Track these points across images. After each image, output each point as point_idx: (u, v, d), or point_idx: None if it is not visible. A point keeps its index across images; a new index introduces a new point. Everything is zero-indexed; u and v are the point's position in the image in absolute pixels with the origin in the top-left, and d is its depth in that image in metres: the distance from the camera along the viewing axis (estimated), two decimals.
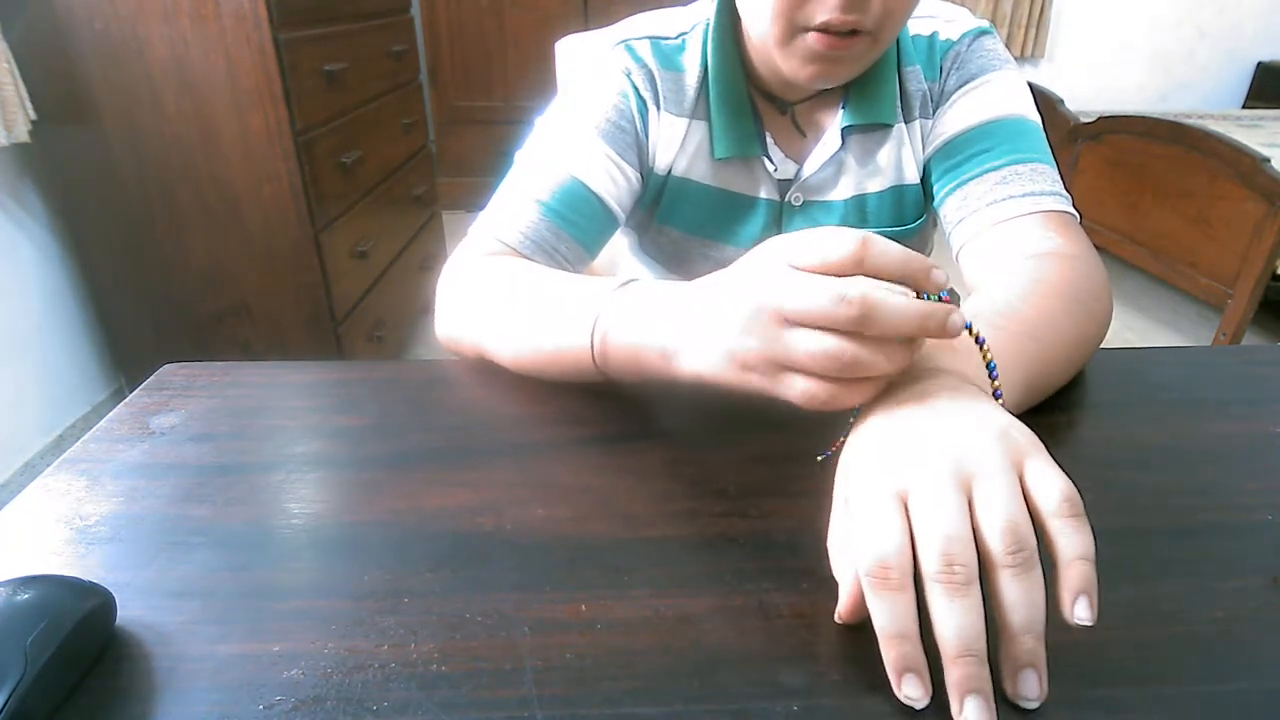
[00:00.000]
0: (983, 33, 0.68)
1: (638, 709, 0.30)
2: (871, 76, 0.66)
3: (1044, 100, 2.80)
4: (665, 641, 0.33)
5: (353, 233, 1.74)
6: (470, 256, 0.62)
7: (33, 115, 1.43)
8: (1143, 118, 2.45)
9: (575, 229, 0.64)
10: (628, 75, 0.68)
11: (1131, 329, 2.49)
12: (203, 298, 1.62)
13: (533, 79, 3.07)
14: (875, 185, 0.70)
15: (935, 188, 0.69)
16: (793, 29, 0.58)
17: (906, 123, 0.69)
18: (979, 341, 0.39)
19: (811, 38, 0.57)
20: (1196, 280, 2.21)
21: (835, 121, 0.68)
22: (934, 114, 0.69)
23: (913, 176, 0.70)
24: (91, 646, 0.32)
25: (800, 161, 0.70)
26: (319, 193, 1.57)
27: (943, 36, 0.68)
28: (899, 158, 0.69)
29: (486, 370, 0.56)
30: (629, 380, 0.48)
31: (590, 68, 0.69)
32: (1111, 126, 2.53)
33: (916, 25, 0.68)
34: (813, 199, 0.71)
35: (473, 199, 3.37)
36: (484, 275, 0.59)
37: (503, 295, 0.55)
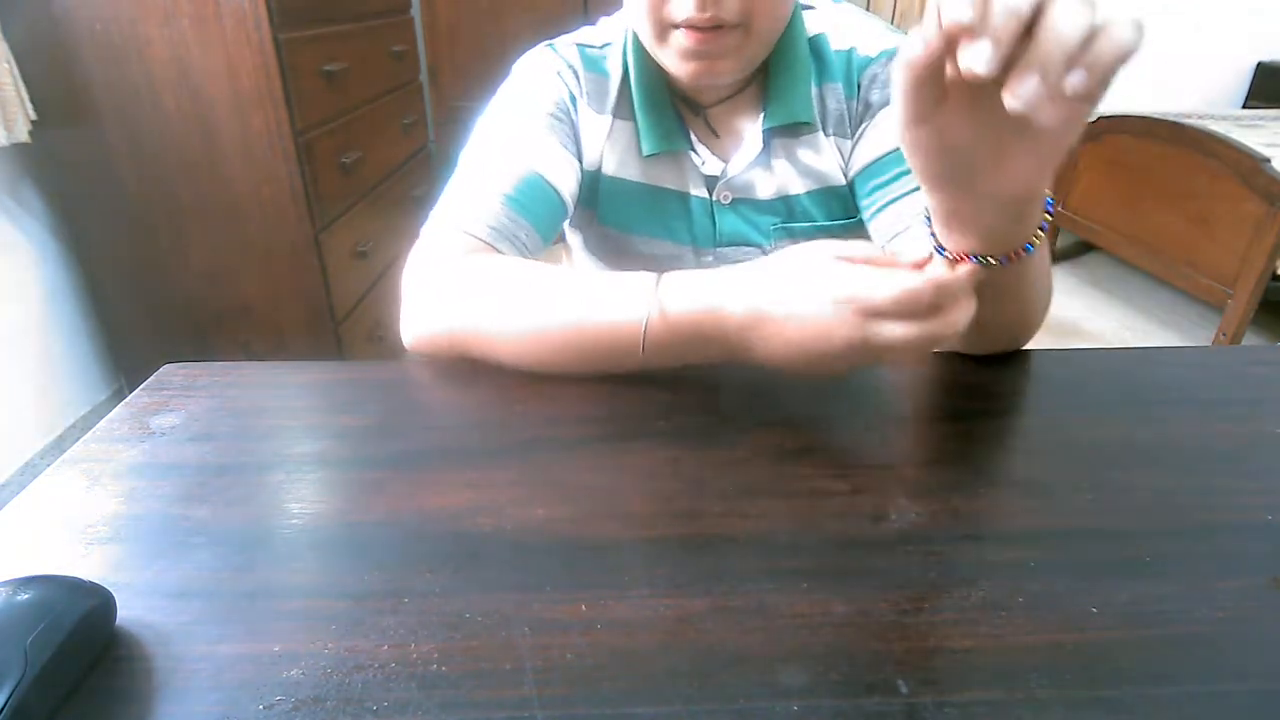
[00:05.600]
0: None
1: (638, 709, 0.30)
2: (787, 78, 0.68)
3: None
4: (665, 641, 0.33)
5: (353, 233, 1.74)
6: (441, 255, 0.60)
7: (33, 115, 1.43)
8: (1143, 118, 2.45)
9: (535, 218, 0.64)
10: (557, 73, 0.71)
11: (1131, 329, 2.48)
12: (203, 298, 1.62)
13: None
14: (800, 187, 0.71)
15: (864, 204, 0.69)
16: (662, 27, 0.61)
17: (825, 135, 0.70)
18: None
19: (681, 34, 0.61)
20: (1196, 280, 2.21)
21: (755, 124, 0.70)
22: (854, 133, 0.70)
23: (837, 180, 0.71)
24: (91, 646, 0.32)
25: (725, 160, 0.72)
26: (319, 193, 1.57)
27: (860, 53, 0.68)
28: (821, 160, 0.71)
29: (487, 370, 0.55)
30: (667, 360, 0.50)
31: (521, 70, 0.73)
32: (1111, 126, 2.53)
33: (837, 39, 0.69)
34: (741, 197, 0.72)
35: None
36: (475, 269, 0.57)
37: (507, 285, 0.54)
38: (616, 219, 0.74)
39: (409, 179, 2.13)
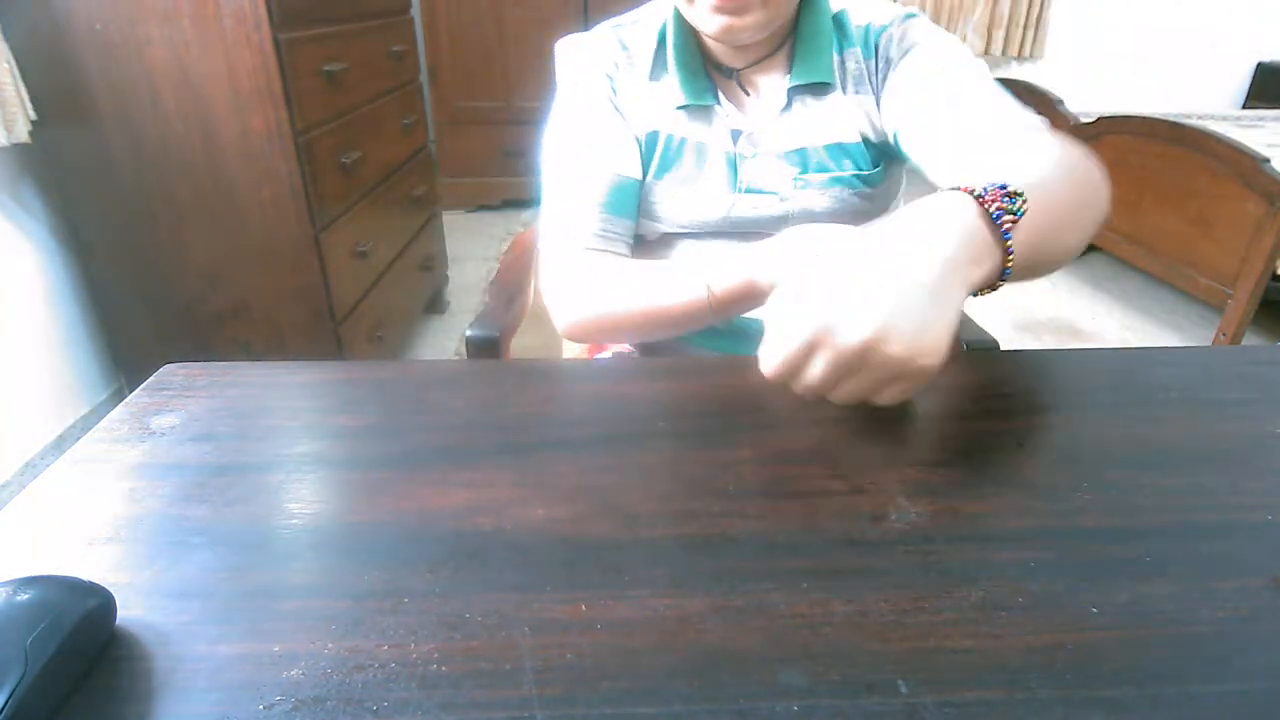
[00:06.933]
0: (910, 16, 0.77)
1: (638, 709, 0.30)
2: (812, 45, 0.76)
3: (1044, 100, 2.80)
4: (665, 641, 0.33)
5: (353, 233, 1.74)
6: (570, 268, 0.76)
7: (33, 115, 1.43)
8: (1143, 118, 2.45)
9: (626, 211, 0.79)
10: (598, 61, 0.79)
11: (1131, 329, 2.48)
12: (203, 298, 1.62)
13: (533, 79, 3.06)
14: (818, 140, 0.77)
15: (906, 136, 0.74)
16: None
17: (844, 93, 0.77)
18: (996, 218, 0.45)
19: None
20: (1196, 280, 2.21)
21: (780, 83, 0.78)
22: (877, 87, 0.77)
23: (852, 138, 0.77)
24: (91, 646, 0.32)
25: (749, 115, 0.79)
26: (319, 193, 1.57)
27: (876, 24, 0.77)
28: (839, 118, 0.77)
29: (486, 370, 0.56)
30: (730, 316, 0.67)
31: (566, 69, 0.81)
32: (1111, 127, 2.53)
33: (856, 16, 0.78)
34: (763, 150, 0.78)
35: (473, 199, 3.37)
36: (596, 277, 0.75)
37: (617, 287, 0.73)
38: (646, 168, 0.80)
39: (409, 179, 2.13)
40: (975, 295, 0.47)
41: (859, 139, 0.77)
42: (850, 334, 0.40)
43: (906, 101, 0.72)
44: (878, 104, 0.76)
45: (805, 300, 0.42)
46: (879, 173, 0.78)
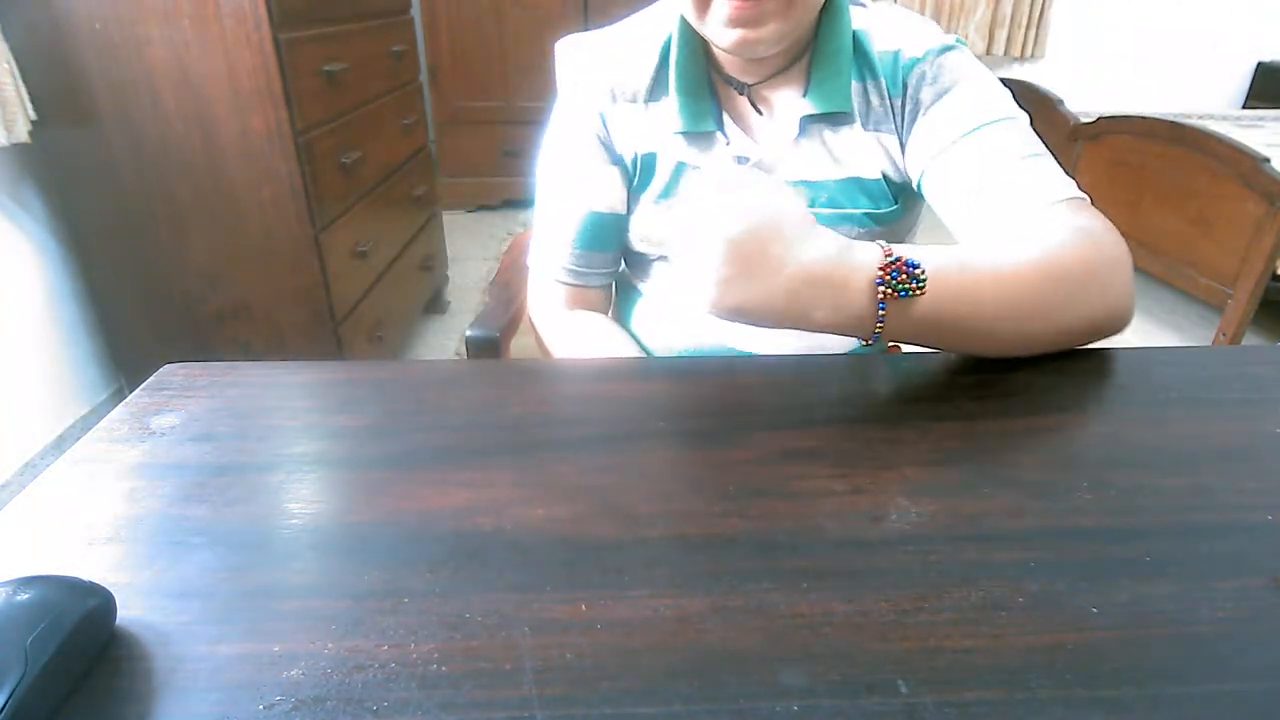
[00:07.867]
0: (947, 49, 0.69)
1: (638, 709, 0.30)
2: (830, 68, 0.70)
3: (1044, 100, 2.80)
4: (665, 641, 0.33)
5: (353, 233, 1.74)
6: (545, 299, 0.82)
7: (33, 115, 1.43)
8: (1143, 118, 2.45)
9: (603, 246, 0.79)
10: (593, 72, 0.76)
11: (1131, 329, 2.46)
12: (203, 298, 1.62)
13: (533, 79, 3.06)
14: (830, 174, 0.72)
15: (929, 185, 0.70)
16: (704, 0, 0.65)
17: (864, 128, 0.71)
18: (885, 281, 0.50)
19: (722, 4, 0.63)
20: (1196, 280, 2.21)
21: (793, 107, 0.72)
22: (903, 129, 0.71)
23: (871, 173, 0.72)
24: (91, 646, 0.32)
25: (758, 142, 0.74)
26: (319, 193, 1.57)
27: (906, 55, 0.69)
28: (857, 153, 0.72)
29: (486, 370, 0.56)
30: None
31: (570, 66, 0.81)
32: (1111, 127, 2.53)
33: (882, 40, 0.70)
34: (770, 177, 0.73)
35: (473, 199, 3.37)
36: (565, 326, 0.81)
37: (576, 341, 0.79)
38: (644, 191, 0.78)
39: (409, 179, 2.13)
40: (866, 344, 0.53)
41: (879, 175, 0.72)
42: (721, 226, 0.49)
43: (934, 150, 0.68)
44: (901, 146, 0.71)
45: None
46: (895, 211, 0.74)
